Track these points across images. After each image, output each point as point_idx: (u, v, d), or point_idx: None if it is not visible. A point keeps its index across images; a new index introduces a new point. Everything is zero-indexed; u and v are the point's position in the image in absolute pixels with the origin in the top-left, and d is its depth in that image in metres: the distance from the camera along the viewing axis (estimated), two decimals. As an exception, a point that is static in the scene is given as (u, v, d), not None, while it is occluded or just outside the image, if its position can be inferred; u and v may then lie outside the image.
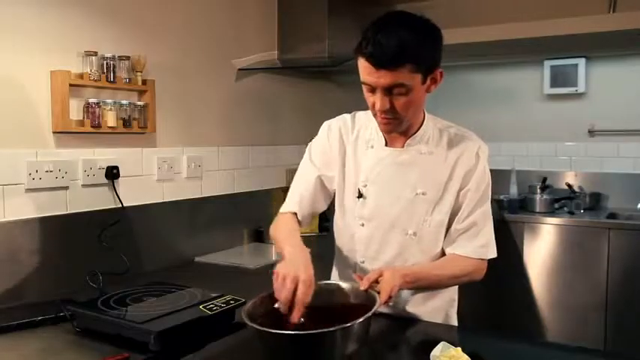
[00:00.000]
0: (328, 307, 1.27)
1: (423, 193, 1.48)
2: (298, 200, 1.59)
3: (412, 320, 1.53)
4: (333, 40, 2.84)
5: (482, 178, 1.49)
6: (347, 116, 1.61)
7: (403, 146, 1.50)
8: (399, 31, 1.31)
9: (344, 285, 1.36)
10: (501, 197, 3.75)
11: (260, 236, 2.82)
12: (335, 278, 1.66)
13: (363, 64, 1.35)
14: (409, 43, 1.30)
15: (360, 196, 1.52)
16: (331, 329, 1.09)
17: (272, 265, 2.37)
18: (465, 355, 1.17)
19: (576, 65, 3.78)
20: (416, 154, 1.50)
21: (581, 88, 3.80)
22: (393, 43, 1.29)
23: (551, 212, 3.58)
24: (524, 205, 3.73)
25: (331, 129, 1.60)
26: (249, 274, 2.24)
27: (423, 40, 1.34)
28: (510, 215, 3.60)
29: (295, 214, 1.57)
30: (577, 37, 2.96)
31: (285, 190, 2.99)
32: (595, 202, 3.74)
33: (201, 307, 1.49)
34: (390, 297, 1.30)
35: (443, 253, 1.53)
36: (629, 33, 2.87)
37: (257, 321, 1.15)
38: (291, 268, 1.25)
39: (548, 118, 3.98)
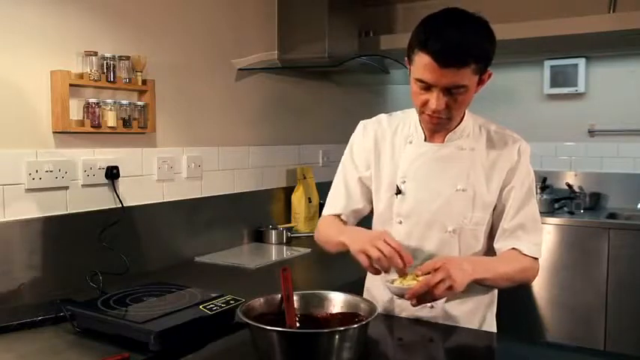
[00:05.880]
0: (323, 317, 1.26)
1: (463, 190, 1.44)
2: (342, 203, 1.57)
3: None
4: (333, 40, 2.84)
5: (526, 175, 1.45)
6: (383, 116, 1.59)
7: (443, 141, 1.47)
8: (463, 28, 1.27)
9: (337, 295, 1.31)
10: (501, 197, 3.75)
11: (260, 236, 2.81)
12: (368, 285, 1.60)
13: (424, 61, 1.28)
14: (476, 42, 1.28)
15: (399, 192, 1.48)
16: (327, 330, 1.10)
17: (272, 265, 2.38)
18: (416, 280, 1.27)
19: (576, 65, 3.78)
20: (456, 150, 1.46)
21: (581, 88, 3.80)
22: (461, 40, 1.25)
23: (551, 212, 3.58)
24: (524, 205, 3.72)
25: (366, 128, 1.58)
26: (249, 274, 2.24)
27: (487, 40, 1.31)
28: (510, 215, 3.59)
29: (339, 215, 1.56)
30: (577, 37, 2.97)
31: (285, 190, 3.03)
32: (595, 202, 3.74)
33: (201, 307, 1.49)
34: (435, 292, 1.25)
35: (483, 253, 1.48)
36: (629, 33, 2.87)
37: (253, 318, 1.14)
38: (366, 238, 1.31)
39: (548, 118, 3.98)
